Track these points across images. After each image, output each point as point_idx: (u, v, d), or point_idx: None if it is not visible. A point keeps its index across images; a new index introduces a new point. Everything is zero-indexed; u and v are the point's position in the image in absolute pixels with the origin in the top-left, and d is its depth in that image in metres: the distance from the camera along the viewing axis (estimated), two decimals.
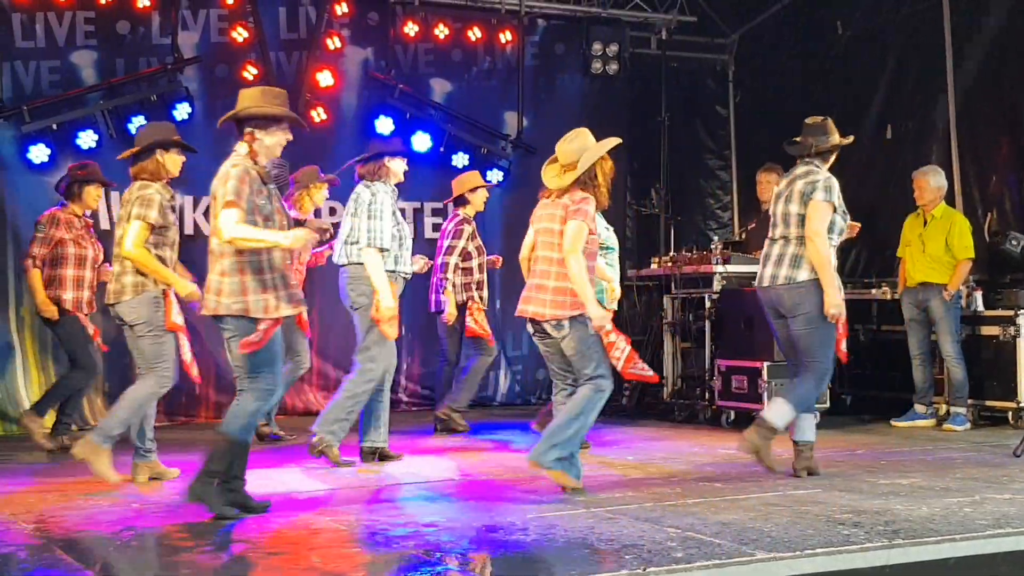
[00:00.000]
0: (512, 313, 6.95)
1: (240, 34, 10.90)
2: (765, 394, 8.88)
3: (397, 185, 7.90)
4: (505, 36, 12.10)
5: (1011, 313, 9.26)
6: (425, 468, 7.48)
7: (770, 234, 6.98)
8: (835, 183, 6.80)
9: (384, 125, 11.32)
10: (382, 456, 7.74)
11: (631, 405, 11.16)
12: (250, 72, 10.79)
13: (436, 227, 11.07)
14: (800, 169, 6.93)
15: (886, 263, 10.68)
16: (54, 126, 10.13)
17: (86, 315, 8.21)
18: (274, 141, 5.82)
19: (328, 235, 8.61)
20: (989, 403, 9.43)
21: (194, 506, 5.63)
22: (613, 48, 12.34)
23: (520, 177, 11.59)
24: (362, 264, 7.42)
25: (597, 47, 12.29)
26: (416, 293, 9.61)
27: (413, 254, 8.01)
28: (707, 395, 9.97)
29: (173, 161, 6.88)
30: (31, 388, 10.01)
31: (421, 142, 11.51)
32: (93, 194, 8.23)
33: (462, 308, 9.24)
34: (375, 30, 11.69)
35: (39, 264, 8.11)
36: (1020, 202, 10.03)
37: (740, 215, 13.26)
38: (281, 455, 7.94)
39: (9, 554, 4.93)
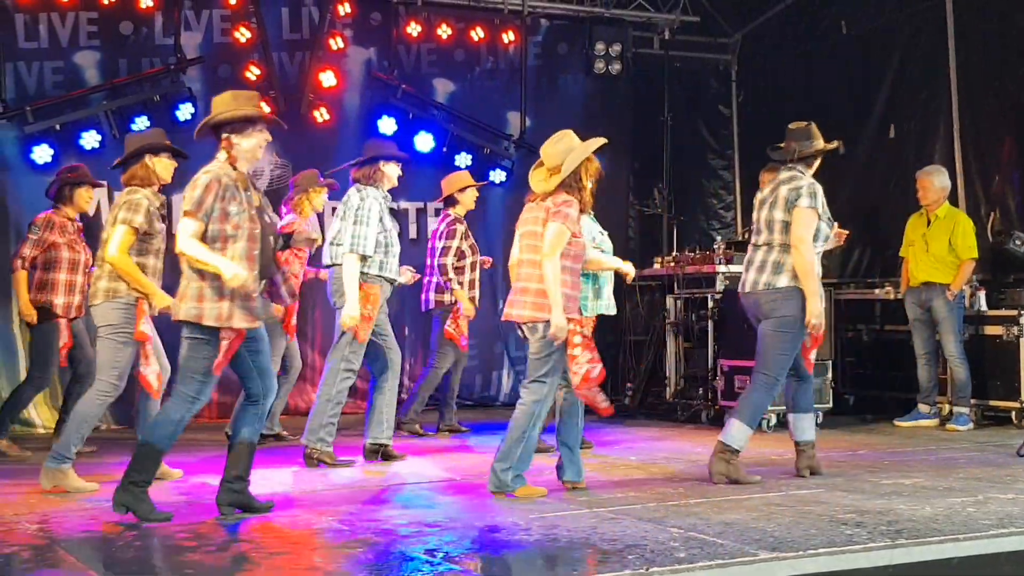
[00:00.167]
0: None
1: (243, 34, 10.90)
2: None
3: (399, 184, 7.91)
4: (508, 36, 12.10)
5: (1014, 313, 9.25)
6: (427, 468, 7.48)
7: (753, 240, 6.91)
8: (819, 189, 6.72)
9: (387, 125, 11.32)
10: (385, 455, 7.75)
11: (633, 405, 11.17)
12: (253, 72, 10.80)
13: None
14: (784, 175, 6.85)
15: (889, 263, 10.68)
16: (57, 127, 10.14)
17: (72, 319, 8.18)
18: (252, 143, 5.74)
19: (315, 246, 8.69)
20: (992, 403, 9.43)
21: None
22: (616, 48, 12.35)
23: (523, 177, 11.42)
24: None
25: (600, 47, 12.30)
26: (418, 295, 9.61)
27: (402, 263, 8.02)
28: (710, 395, 9.96)
29: (164, 166, 6.83)
30: None
31: (424, 142, 11.52)
32: (84, 196, 8.21)
33: (450, 308, 9.22)
34: (378, 30, 11.69)
35: (27, 266, 8.08)
36: (1023, 202, 10.02)
37: (743, 215, 13.26)
38: (283, 455, 7.94)
39: (12, 554, 4.94)
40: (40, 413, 9.94)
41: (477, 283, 9.42)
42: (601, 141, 6.35)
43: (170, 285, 6.25)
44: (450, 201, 9.38)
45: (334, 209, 10.95)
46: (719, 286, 10.02)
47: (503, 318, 6.43)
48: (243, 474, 5.74)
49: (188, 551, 4.97)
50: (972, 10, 10.55)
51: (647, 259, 11.45)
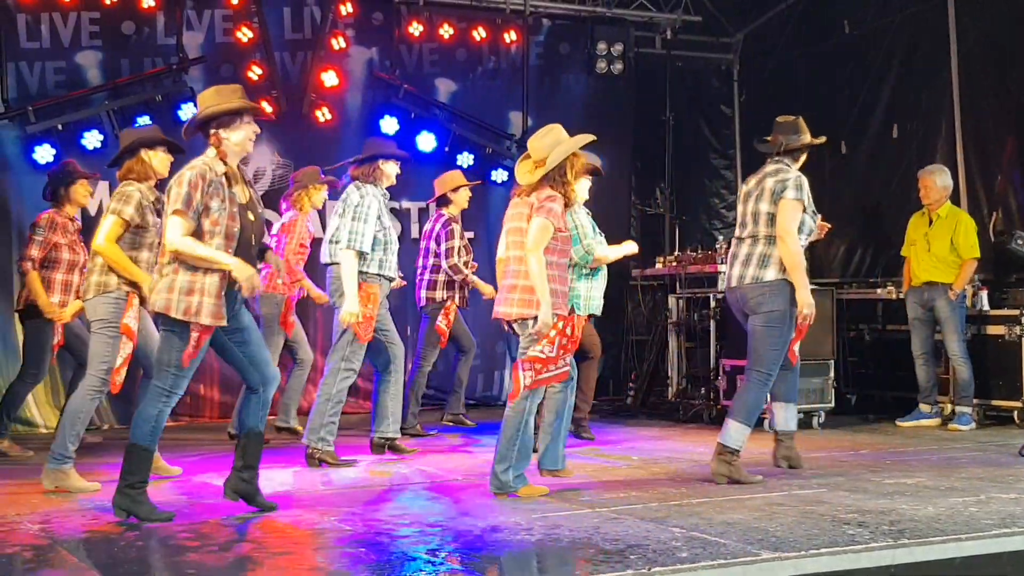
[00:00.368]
0: None
1: (245, 34, 10.90)
2: (768, 394, 8.84)
3: (400, 184, 7.91)
4: (510, 36, 12.10)
5: (1016, 312, 9.25)
6: (429, 468, 7.48)
7: (737, 233, 6.88)
8: (805, 181, 6.69)
9: (389, 125, 11.32)
10: (393, 448, 7.77)
11: (635, 405, 11.17)
12: (255, 72, 10.80)
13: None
14: (769, 167, 6.82)
15: (891, 262, 10.68)
16: (59, 126, 10.14)
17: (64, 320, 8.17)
18: (241, 136, 5.70)
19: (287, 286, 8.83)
20: (995, 402, 9.43)
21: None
22: (618, 48, 12.36)
23: None
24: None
25: (602, 47, 12.31)
26: (408, 288, 9.61)
27: (401, 261, 8.02)
28: (712, 395, 9.96)
29: (160, 160, 6.83)
30: (36, 388, 9.98)
31: (426, 142, 11.52)
32: (81, 192, 8.19)
33: (442, 306, 9.23)
34: (380, 30, 11.69)
35: (37, 267, 8.07)
36: None
37: None
38: (286, 455, 7.94)
39: (14, 554, 4.94)
40: (42, 413, 9.94)
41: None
42: (589, 137, 6.34)
43: None
44: (443, 201, 9.37)
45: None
46: (721, 286, 10.01)
47: (493, 316, 6.42)
48: (252, 463, 5.76)
49: (190, 551, 4.97)
50: (973, 10, 10.55)
51: (649, 259, 11.45)
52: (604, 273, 7.98)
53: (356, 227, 7.41)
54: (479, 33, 11.98)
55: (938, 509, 5.57)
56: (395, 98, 11.41)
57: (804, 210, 6.66)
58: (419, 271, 9.36)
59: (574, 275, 7.62)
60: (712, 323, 10.00)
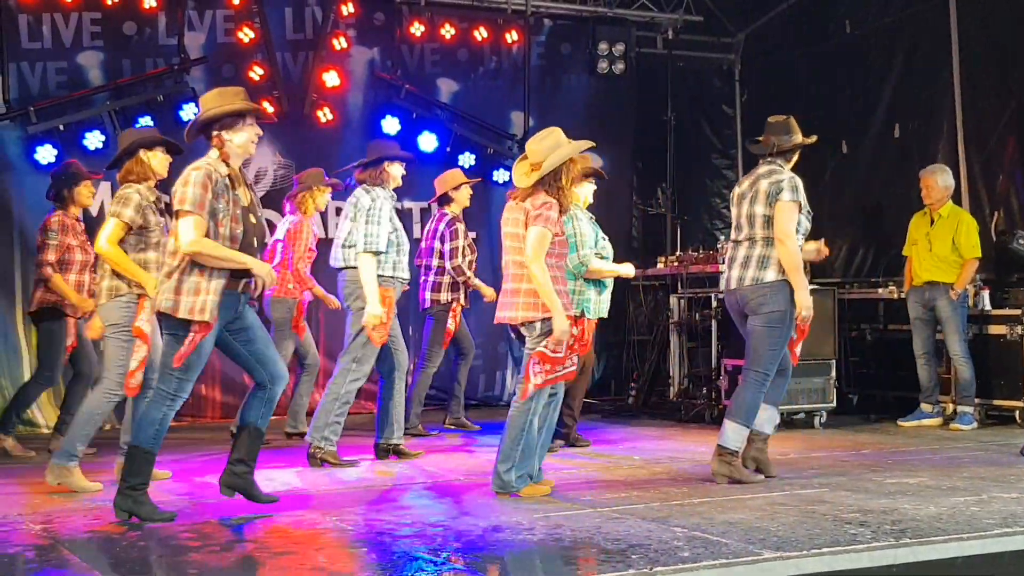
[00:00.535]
0: None
1: (246, 34, 10.91)
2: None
3: (401, 185, 7.91)
4: (511, 36, 12.10)
5: (1018, 312, 9.25)
6: (431, 468, 7.48)
7: (733, 236, 6.86)
8: (799, 182, 6.66)
9: (390, 125, 11.32)
10: (398, 452, 7.78)
11: (637, 405, 11.17)
12: (256, 72, 10.81)
13: None
14: (762, 168, 6.79)
15: (892, 262, 10.68)
16: (61, 127, 10.15)
17: (79, 318, 8.17)
18: (244, 138, 5.69)
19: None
20: (996, 402, 9.43)
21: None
22: (619, 48, 12.36)
23: None
24: (356, 268, 7.44)
25: (603, 47, 12.30)
26: (418, 295, 9.60)
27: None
28: (713, 394, 9.96)
29: (160, 161, 6.83)
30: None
31: (428, 142, 11.52)
32: (84, 193, 8.19)
33: (447, 307, 9.20)
34: (381, 30, 11.70)
35: (57, 269, 8.07)
36: None
37: None
38: (287, 455, 7.94)
39: (16, 554, 4.95)
40: (44, 412, 9.94)
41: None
42: (588, 144, 6.32)
43: None
44: (444, 200, 9.34)
45: (338, 210, 11.00)
46: (722, 285, 10.00)
47: (496, 321, 6.41)
48: (246, 458, 5.73)
49: (192, 551, 4.97)
50: (975, 9, 10.54)
51: (651, 259, 11.45)
52: (609, 284, 7.99)
53: (371, 230, 7.42)
54: (480, 33, 11.98)
55: (940, 509, 5.57)
56: (396, 98, 11.42)
57: (800, 210, 6.65)
58: (422, 271, 9.31)
59: (585, 282, 7.65)
60: (714, 323, 10.00)
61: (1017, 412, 9.22)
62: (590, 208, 8.10)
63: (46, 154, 10.09)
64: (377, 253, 7.40)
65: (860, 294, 10.78)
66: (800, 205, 6.62)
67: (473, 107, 11.92)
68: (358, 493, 6.54)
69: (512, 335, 6.41)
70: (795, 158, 6.88)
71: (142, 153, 6.75)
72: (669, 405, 10.69)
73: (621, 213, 12.42)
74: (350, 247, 7.52)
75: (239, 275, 5.59)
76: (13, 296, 10.14)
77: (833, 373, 9.46)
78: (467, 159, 11.67)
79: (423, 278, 9.29)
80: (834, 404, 9.48)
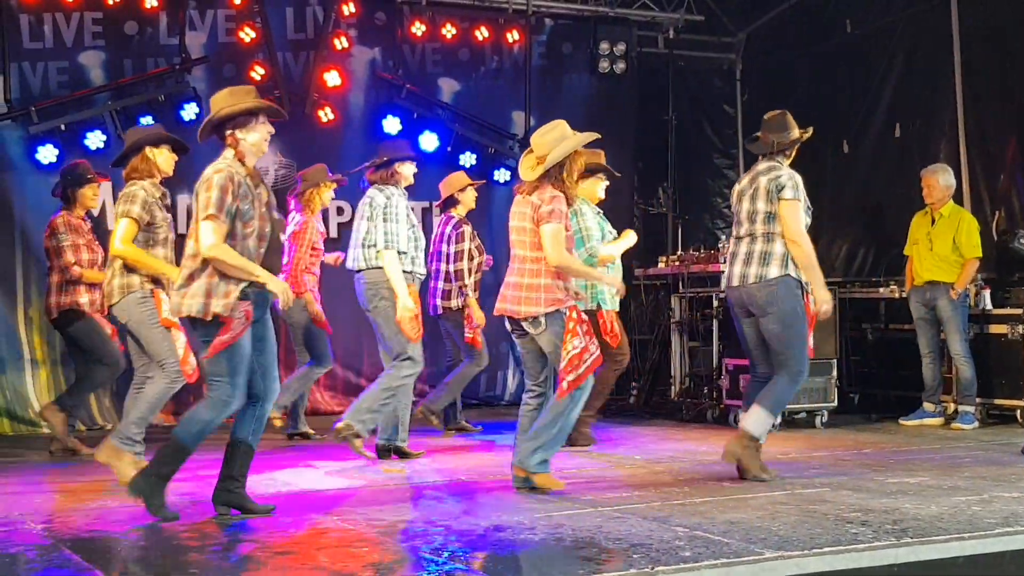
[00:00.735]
0: None
1: (247, 34, 10.91)
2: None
3: (413, 184, 7.93)
4: (512, 36, 12.10)
5: (1019, 311, 9.25)
6: (432, 467, 7.48)
7: (735, 232, 6.87)
8: (799, 179, 6.68)
9: (391, 125, 11.32)
10: (400, 453, 7.78)
11: (638, 404, 11.17)
12: (257, 72, 10.81)
13: None
14: (762, 165, 6.80)
15: (894, 262, 10.67)
16: (62, 127, 10.16)
17: (102, 314, 8.20)
18: (257, 137, 5.68)
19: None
20: (997, 401, 9.43)
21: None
22: (620, 47, 12.35)
23: None
24: (379, 268, 7.44)
25: (604, 46, 12.30)
26: (426, 298, 9.59)
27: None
28: (715, 394, 9.96)
29: (165, 159, 6.84)
30: (39, 388, 10.03)
31: (429, 142, 11.52)
32: (88, 195, 8.23)
33: (459, 314, 9.16)
34: (382, 30, 11.70)
35: (82, 264, 8.08)
36: None
37: None
38: (288, 456, 7.94)
39: (18, 554, 4.95)
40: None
41: (480, 284, 9.40)
42: (592, 135, 6.35)
43: None
44: (451, 202, 9.31)
45: (339, 209, 11.02)
46: (724, 282, 9.99)
47: (494, 312, 6.44)
48: (236, 474, 5.68)
49: (193, 551, 4.98)
50: (976, 9, 10.54)
51: (652, 258, 11.45)
52: (619, 266, 8.05)
53: (390, 228, 7.44)
54: (482, 33, 11.98)
55: (941, 508, 5.57)
56: (398, 98, 11.42)
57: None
58: (432, 276, 9.24)
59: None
60: (715, 322, 10.00)
61: (1018, 411, 9.22)
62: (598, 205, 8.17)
63: (47, 154, 10.09)
64: (400, 252, 7.41)
65: (861, 293, 10.78)
66: (801, 202, 6.63)
67: (474, 107, 11.92)
68: (359, 492, 6.54)
69: (508, 327, 6.41)
70: (794, 153, 6.89)
71: (148, 151, 6.78)
72: (670, 405, 10.70)
73: (622, 213, 12.39)
74: (369, 247, 7.51)
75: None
76: (14, 296, 10.14)
77: (834, 372, 9.46)
78: (468, 159, 11.67)
79: (432, 283, 9.22)
80: (835, 403, 9.48)
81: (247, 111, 5.65)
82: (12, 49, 10.22)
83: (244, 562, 4.84)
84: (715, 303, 10.00)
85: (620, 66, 12.37)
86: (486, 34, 12.00)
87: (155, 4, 10.58)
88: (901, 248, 9.83)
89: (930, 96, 11.02)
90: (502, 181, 11.80)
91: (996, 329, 9.43)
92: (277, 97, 10.77)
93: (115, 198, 9.90)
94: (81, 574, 4.60)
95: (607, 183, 8.33)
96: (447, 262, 9.13)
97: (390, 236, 7.42)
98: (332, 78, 11.18)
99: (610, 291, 7.86)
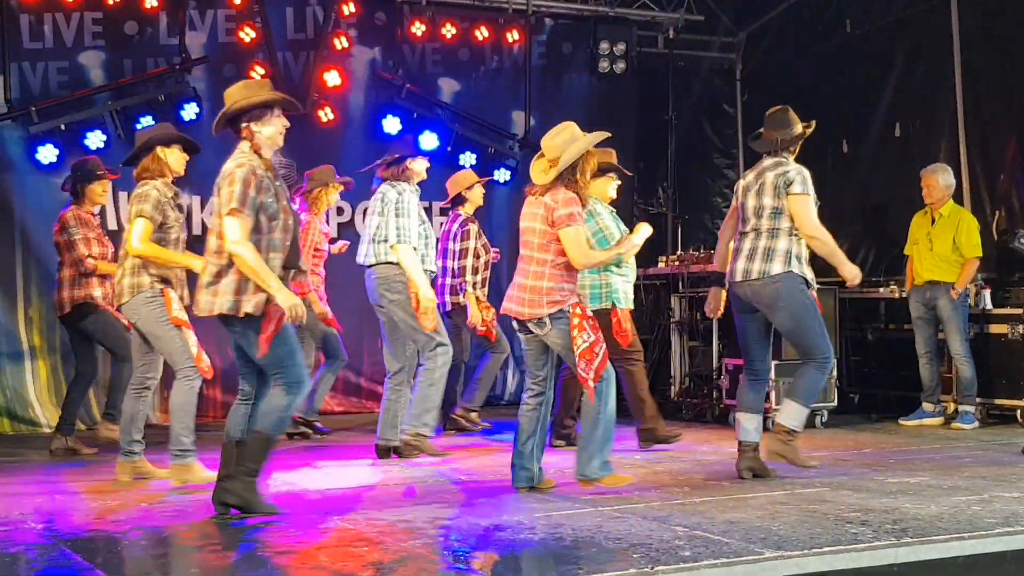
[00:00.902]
0: None
1: (247, 34, 10.91)
2: (772, 393, 8.84)
3: (426, 179, 7.96)
4: (512, 35, 12.10)
5: (1019, 311, 9.25)
6: (433, 467, 7.47)
7: (740, 228, 6.87)
8: (807, 173, 6.68)
9: (391, 125, 11.32)
10: (399, 452, 7.78)
11: None
12: (257, 72, 10.79)
13: None
14: (768, 161, 6.80)
15: (894, 261, 10.68)
16: (62, 126, 10.16)
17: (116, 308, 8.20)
18: (273, 130, 5.66)
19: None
20: (998, 401, 9.43)
21: (231, 506, 5.62)
22: (620, 47, 12.35)
23: (527, 176, 11.41)
24: (392, 263, 7.47)
25: (604, 46, 12.29)
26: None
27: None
28: (715, 394, 9.96)
29: (177, 158, 6.84)
30: (39, 388, 10.03)
31: (429, 141, 11.51)
32: (97, 191, 8.24)
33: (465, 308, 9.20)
34: (382, 30, 11.70)
35: (95, 256, 8.09)
36: None
37: None
38: (290, 455, 7.94)
39: (18, 553, 4.95)
40: (45, 412, 9.95)
41: (487, 281, 9.42)
42: (603, 135, 6.37)
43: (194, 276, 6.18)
44: (458, 200, 9.38)
45: (340, 209, 11.02)
46: (727, 277, 9.99)
47: (501, 311, 6.45)
48: (234, 473, 5.67)
49: (194, 550, 4.98)
50: (976, 9, 10.54)
51: (652, 258, 11.44)
52: (634, 265, 8.10)
53: (401, 222, 7.48)
54: (482, 33, 11.98)
55: (941, 508, 5.57)
56: (397, 98, 11.42)
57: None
58: (440, 274, 9.24)
59: (608, 270, 7.75)
60: (715, 322, 9.99)
61: (1018, 411, 9.22)
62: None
63: (47, 154, 10.09)
64: (413, 247, 7.43)
65: (861, 293, 10.77)
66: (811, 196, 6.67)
67: (474, 107, 11.92)
68: (359, 492, 6.54)
69: (515, 326, 6.41)
70: (798, 149, 6.90)
71: (159, 150, 6.78)
72: (670, 405, 10.67)
73: (622, 212, 12.33)
74: (381, 242, 7.53)
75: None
76: (15, 296, 10.14)
77: (834, 372, 9.45)
78: (468, 158, 11.67)
79: (441, 281, 9.25)
80: (835, 403, 9.48)
81: (262, 104, 5.63)
82: (12, 49, 10.22)
83: (244, 562, 4.84)
84: None
85: (620, 66, 12.36)
86: (486, 34, 12.00)
87: (155, 4, 10.59)
88: (901, 248, 9.83)
89: (930, 96, 11.01)
90: (502, 181, 11.80)
91: (996, 329, 9.43)
92: None
93: (115, 198, 10.01)
94: (81, 574, 4.60)
95: (618, 182, 8.36)
96: (453, 259, 9.17)
97: (402, 231, 7.45)
98: (332, 78, 11.18)
99: (623, 291, 7.88)
